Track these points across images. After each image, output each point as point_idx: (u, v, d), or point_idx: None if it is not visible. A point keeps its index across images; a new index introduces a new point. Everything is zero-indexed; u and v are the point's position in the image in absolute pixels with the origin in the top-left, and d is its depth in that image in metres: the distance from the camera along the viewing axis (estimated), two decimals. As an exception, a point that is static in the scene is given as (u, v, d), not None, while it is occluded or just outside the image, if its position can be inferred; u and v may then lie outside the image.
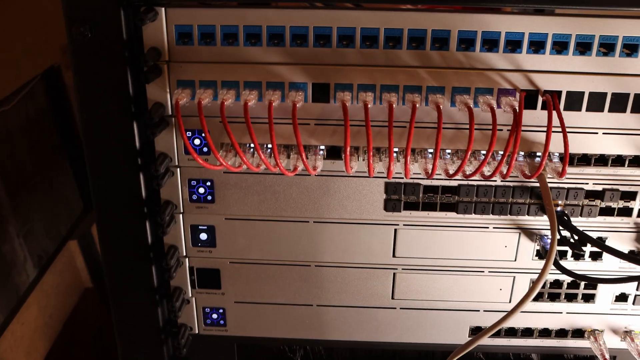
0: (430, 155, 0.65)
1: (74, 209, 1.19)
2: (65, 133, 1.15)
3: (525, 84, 0.63)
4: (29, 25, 1.02)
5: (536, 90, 0.63)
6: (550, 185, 0.67)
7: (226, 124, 0.59)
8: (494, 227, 0.70)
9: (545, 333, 0.76)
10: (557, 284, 0.73)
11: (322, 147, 0.66)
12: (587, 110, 0.64)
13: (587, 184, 0.68)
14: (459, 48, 0.62)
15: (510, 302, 0.74)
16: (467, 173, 0.62)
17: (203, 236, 0.72)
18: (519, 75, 0.62)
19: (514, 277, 0.73)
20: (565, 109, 0.64)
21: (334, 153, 0.67)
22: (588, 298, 0.74)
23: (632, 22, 0.60)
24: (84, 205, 1.22)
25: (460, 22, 0.61)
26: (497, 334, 0.76)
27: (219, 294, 0.75)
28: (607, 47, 0.61)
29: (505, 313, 0.67)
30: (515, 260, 0.72)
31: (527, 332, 0.76)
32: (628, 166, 0.67)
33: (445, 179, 0.67)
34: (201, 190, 0.69)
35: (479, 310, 0.75)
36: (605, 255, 0.71)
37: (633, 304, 0.74)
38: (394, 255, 0.72)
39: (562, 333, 0.76)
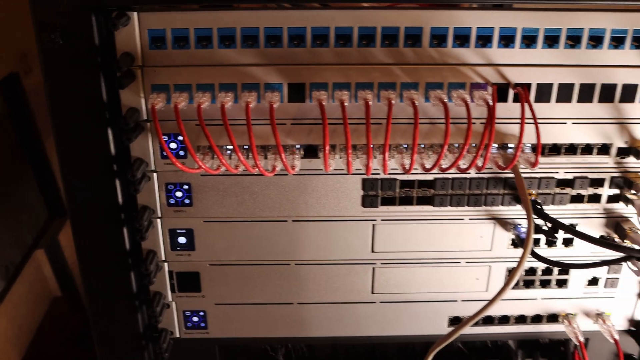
0: (406, 151, 0.66)
1: (39, 217, 1.17)
2: (27, 140, 1.13)
3: (497, 78, 0.64)
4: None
5: (507, 84, 0.64)
6: (522, 175, 0.68)
7: (204, 127, 0.59)
8: (469, 219, 0.72)
9: (521, 319, 0.78)
10: (531, 271, 0.75)
11: (299, 146, 0.67)
12: (557, 101, 0.66)
13: (558, 173, 0.70)
14: (432, 44, 0.63)
15: (487, 291, 0.75)
16: (444, 167, 0.63)
17: (182, 240, 0.71)
18: (490, 70, 0.64)
19: (490, 266, 0.74)
20: (535, 101, 0.65)
21: (311, 152, 0.67)
22: (561, 283, 0.76)
23: (597, 15, 0.62)
24: (49, 213, 1.20)
25: (432, 19, 0.62)
26: (475, 323, 0.77)
27: (199, 296, 0.75)
28: (574, 39, 0.63)
29: (484, 301, 0.68)
30: (490, 250, 0.73)
31: (504, 320, 0.78)
32: (596, 154, 0.69)
33: (421, 174, 0.68)
34: (178, 194, 0.69)
35: (456, 301, 0.76)
36: (576, 241, 0.73)
37: (604, 287, 0.76)
38: (372, 251, 0.73)
39: (537, 319, 0.78)
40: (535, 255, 0.70)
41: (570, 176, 0.70)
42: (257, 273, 0.74)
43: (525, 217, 0.66)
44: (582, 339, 0.76)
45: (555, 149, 0.68)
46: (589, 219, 0.72)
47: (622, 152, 0.68)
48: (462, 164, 0.63)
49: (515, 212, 0.71)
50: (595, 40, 0.63)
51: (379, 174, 0.69)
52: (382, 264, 0.74)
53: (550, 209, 0.71)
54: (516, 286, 0.76)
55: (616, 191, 0.70)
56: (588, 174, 0.70)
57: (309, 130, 0.66)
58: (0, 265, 0.99)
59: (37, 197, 1.16)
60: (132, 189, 0.66)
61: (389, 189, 0.69)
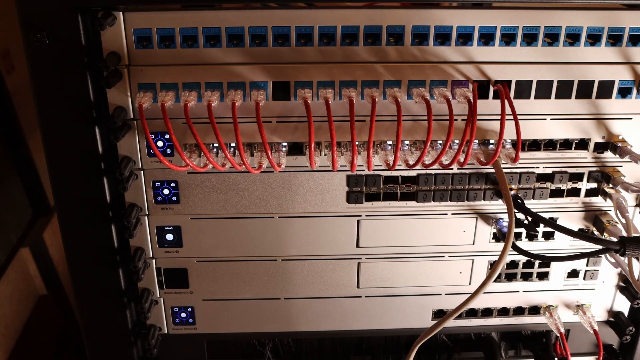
0: (390, 147, 0.67)
1: (23, 216, 1.17)
2: (10, 139, 1.13)
3: (477, 75, 0.65)
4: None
5: (487, 81, 0.66)
6: (503, 170, 0.70)
7: (191, 125, 0.60)
8: (452, 214, 0.73)
9: (503, 312, 0.80)
10: (513, 264, 0.77)
11: (285, 143, 0.68)
12: (536, 97, 0.67)
13: (538, 167, 0.71)
14: (413, 43, 0.64)
15: (470, 284, 0.77)
16: (427, 163, 0.65)
17: (169, 237, 0.72)
18: (471, 67, 0.65)
19: (473, 260, 0.76)
20: (515, 97, 0.67)
21: (296, 149, 0.68)
22: (542, 276, 0.77)
23: (574, 13, 0.64)
24: (33, 212, 1.20)
25: (413, 18, 0.63)
26: (459, 316, 0.78)
27: (187, 293, 0.75)
28: (552, 37, 0.65)
29: (468, 294, 0.69)
30: (473, 244, 0.75)
31: (487, 312, 0.80)
32: (575, 149, 0.70)
33: (404, 170, 0.70)
34: (166, 191, 0.70)
35: (440, 294, 0.78)
36: (557, 234, 0.74)
37: (584, 279, 0.78)
38: (357, 246, 0.74)
39: (519, 311, 0.80)
40: (516, 248, 0.71)
41: (549, 171, 0.71)
42: (244, 269, 0.75)
43: (507, 211, 0.68)
44: (562, 330, 0.77)
45: (535, 145, 0.70)
46: (569, 213, 0.74)
47: (600, 147, 0.70)
48: (445, 160, 0.65)
49: (497, 206, 0.73)
50: (573, 38, 0.65)
51: (363, 170, 0.70)
52: (367, 258, 0.75)
53: (531, 203, 0.72)
54: (498, 279, 0.77)
55: (594, 185, 0.72)
56: (567, 169, 0.71)
57: (294, 127, 0.67)
58: (-15, 265, 0.99)
59: (21, 196, 1.16)
60: (119, 187, 0.66)
61: (373, 185, 0.71)
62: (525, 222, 0.72)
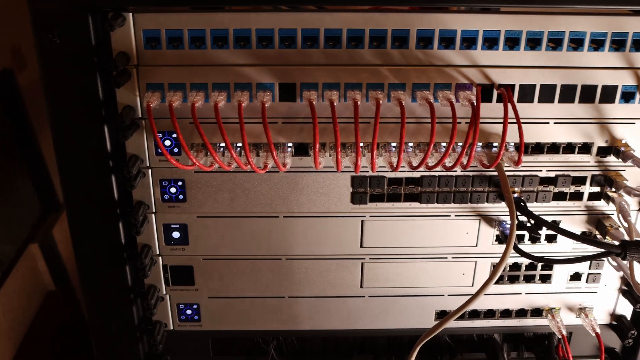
0: (394, 149, 0.68)
1: (33, 212, 1.18)
2: (21, 136, 1.14)
3: (481, 79, 0.66)
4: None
5: (491, 84, 0.66)
6: (507, 173, 0.70)
7: (198, 125, 0.61)
8: (455, 215, 0.74)
9: (506, 314, 0.80)
10: (516, 266, 0.77)
11: (290, 144, 0.69)
12: (539, 101, 0.68)
13: (541, 171, 0.72)
14: (418, 46, 0.65)
15: (473, 285, 0.78)
16: (430, 165, 0.65)
17: (176, 234, 0.73)
18: (474, 71, 0.66)
19: (476, 261, 0.76)
20: (518, 101, 0.67)
21: (301, 150, 0.69)
22: (545, 279, 0.78)
23: (577, 18, 0.64)
24: (43, 208, 1.21)
25: (418, 22, 0.63)
26: (462, 317, 0.79)
27: (193, 290, 0.76)
28: (555, 42, 0.65)
29: (469, 296, 0.70)
30: (476, 245, 0.75)
31: (489, 314, 0.80)
32: (578, 153, 0.71)
33: (408, 171, 0.70)
34: (173, 190, 0.71)
35: (443, 295, 0.78)
36: (559, 237, 0.75)
37: (587, 282, 0.78)
38: (361, 246, 0.75)
39: (521, 313, 0.80)
40: (519, 250, 0.72)
41: (552, 174, 0.72)
42: (249, 267, 0.76)
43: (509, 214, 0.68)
44: (564, 332, 0.78)
45: (538, 148, 0.70)
46: (572, 216, 0.74)
47: (603, 151, 0.71)
48: (448, 162, 0.65)
49: (500, 209, 0.73)
50: (576, 43, 0.65)
51: (367, 171, 0.71)
52: (370, 259, 0.76)
53: (534, 206, 0.73)
54: (501, 281, 0.78)
55: (597, 189, 0.73)
56: (570, 172, 0.72)
57: (299, 128, 0.68)
58: (-6, 260, 1.01)
59: (31, 192, 1.17)
60: (127, 185, 0.67)
61: (377, 186, 0.71)
62: (528, 225, 0.73)
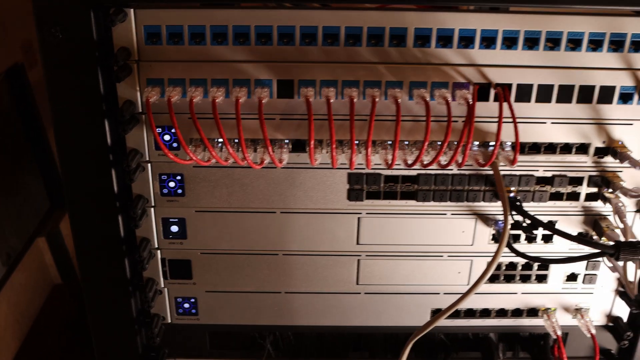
0: (390, 147, 0.68)
1: (41, 206, 1.19)
2: (31, 131, 1.16)
3: (479, 78, 0.66)
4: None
5: (489, 84, 0.67)
6: (503, 172, 0.71)
7: (195, 121, 0.62)
8: (451, 214, 0.74)
9: (501, 313, 0.80)
10: (512, 266, 0.77)
11: (288, 140, 0.69)
12: (537, 101, 0.68)
13: (538, 170, 0.72)
14: (416, 44, 0.65)
15: (468, 284, 0.78)
16: (425, 162, 0.66)
17: (174, 228, 0.74)
18: (472, 70, 0.66)
19: (472, 260, 0.77)
20: (516, 101, 0.67)
21: (299, 146, 0.70)
22: (541, 279, 0.78)
23: (576, 19, 0.64)
24: (51, 203, 1.22)
25: (416, 20, 0.64)
26: (457, 315, 0.80)
27: (191, 284, 0.77)
28: (553, 42, 0.65)
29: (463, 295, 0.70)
30: (472, 244, 0.76)
31: (485, 313, 0.80)
32: (575, 153, 0.71)
33: (405, 169, 0.71)
34: (171, 184, 0.72)
35: (439, 293, 0.79)
36: (556, 237, 0.75)
37: (583, 283, 0.78)
38: (357, 243, 0.75)
39: (517, 312, 0.80)
40: (513, 250, 0.72)
41: (549, 174, 0.72)
42: (246, 262, 0.76)
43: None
44: (560, 333, 0.78)
45: (535, 148, 0.71)
46: (568, 216, 0.74)
47: (600, 152, 0.71)
48: (443, 160, 0.66)
49: (496, 208, 0.74)
50: (574, 43, 0.65)
51: (364, 168, 0.71)
52: (367, 256, 0.76)
53: (530, 206, 0.73)
54: (497, 280, 0.78)
55: (594, 190, 0.73)
56: (567, 173, 0.72)
57: (297, 125, 0.68)
58: (1, 252, 1.02)
59: (40, 187, 1.19)
60: (127, 178, 0.68)
61: (373, 183, 0.72)
62: (524, 224, 0.73)
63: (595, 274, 0.78)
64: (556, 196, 0.73)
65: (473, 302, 0.78)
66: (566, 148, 0.71)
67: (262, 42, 0.65)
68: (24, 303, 1.11)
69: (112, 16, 0.62)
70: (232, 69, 0.65)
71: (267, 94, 0.65)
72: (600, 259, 0.75)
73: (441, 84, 0.66)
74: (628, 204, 0.72)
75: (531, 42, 0.65)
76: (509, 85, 0.67)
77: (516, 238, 0.75)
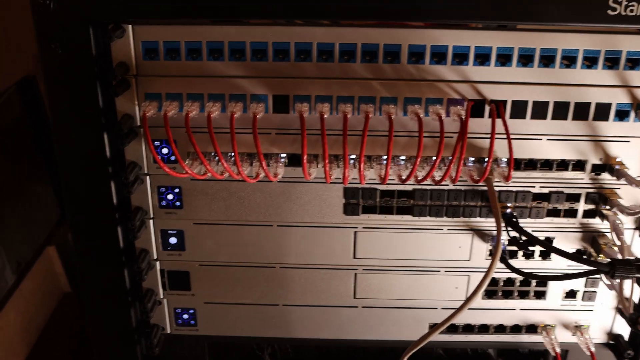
0: (384, 162, 0.69)
1: (52, 216, 1.21)
2: (42, 141, 1.17)
3: (473, 94, 0.67)
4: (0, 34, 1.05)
5: (483, 100, 0.67)
6: (500, 189, 0.71)
7: (190, 135, 0.63)
8: (448, 229, 0.74)
9: (500, 329, 0.80)
10: (509, 281, 0.77)
11: (284, 155, 0.70)
12: (532, 118, 0.68)
13: (534, 187, 0.72)
14: (410, 61, 0.65)
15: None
16: (419, 178, 0.66)
17: (173, 240, 0.75)
18: (466, 86, 0.66)
19: (469, 276, 0.77)
20: (511, 117, 0.67)
21: (295, 160, 0.70)
22: (539, 295, 0.78)
23: (570, 36, 0.64)
24: (62, 212, 1.24)
25: (410, 37, 0.64)
26: (455, 331, 0.80)
27: (189, 295, 0.78)
28: (548, 59, 0.65)
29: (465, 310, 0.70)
30: (469, 260, 0.76)
31: (483, 328, 0.80)
32: (572, 170, 0.71)
33: (400, 184, 0.71)
34: (170, 196, 0.73)
35: (436, 308, 0.79)
36: (553, 254, 0.75)
37: (582, 300, 0.78)
38: (354, 257, 0.76)
39: (516, 329, 0.80)
40: (509, 266, 0.72)
41: (546, 190, 0.72)
42: (244, 274, 0.77)
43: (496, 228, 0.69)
44: (558, 350, 0.77)
45: (531, 164, 0.70)
46: (566, 233, 0.74)
47: (597, 169, 0.70)
48: (437, 175, 0.66)
49: (493, 224, 0.73)
50: (569, 60, 0.65)
51: (359, 183, 0.71)
52: (363, 270, 0.76)
53: (528, 222, 0.73)
54: (495, 296, 0.78)
55: (592, 206, 0.72)
56: (564, 189, 0.72)
57: (292, 139, 0.69)
58: (11, 260, 1.03)
59: (51, 197, 1.20)
60: (125, 190, 0.69)
61: (369, 198, 0.72)
62: (520, 241, 0.73)
63: (594, 291, 0.77)
64: (553, 212, 0.73)
65: (471, 317, 0.78)
66: (563, 164, 0.70)
67: (258, 58, 0.65)
68: (34, 311, 1.12)
69: (110, 32, 0.63)
70: (228, 84, 0.66)
71: (262, 109, 0.65)
72: (597, 276, 0.74)
73: (435, 100, 0.67)
74: (626, 221, 0.72)
75: (525, 59, 0.65)
76: (504, 102, 0.67)
77: (514, 254, 0.75)
